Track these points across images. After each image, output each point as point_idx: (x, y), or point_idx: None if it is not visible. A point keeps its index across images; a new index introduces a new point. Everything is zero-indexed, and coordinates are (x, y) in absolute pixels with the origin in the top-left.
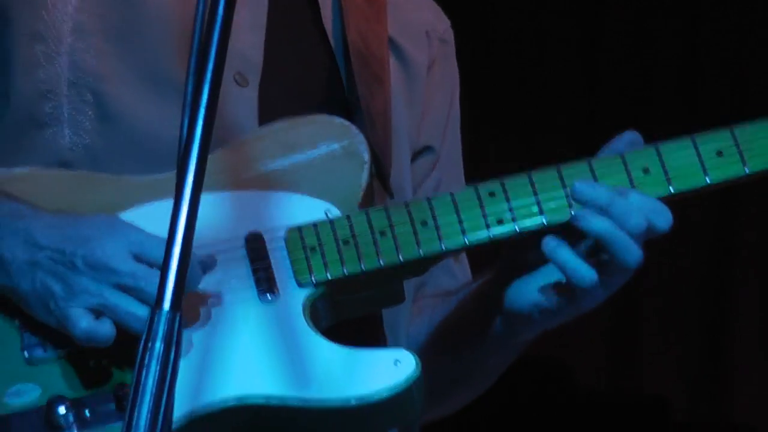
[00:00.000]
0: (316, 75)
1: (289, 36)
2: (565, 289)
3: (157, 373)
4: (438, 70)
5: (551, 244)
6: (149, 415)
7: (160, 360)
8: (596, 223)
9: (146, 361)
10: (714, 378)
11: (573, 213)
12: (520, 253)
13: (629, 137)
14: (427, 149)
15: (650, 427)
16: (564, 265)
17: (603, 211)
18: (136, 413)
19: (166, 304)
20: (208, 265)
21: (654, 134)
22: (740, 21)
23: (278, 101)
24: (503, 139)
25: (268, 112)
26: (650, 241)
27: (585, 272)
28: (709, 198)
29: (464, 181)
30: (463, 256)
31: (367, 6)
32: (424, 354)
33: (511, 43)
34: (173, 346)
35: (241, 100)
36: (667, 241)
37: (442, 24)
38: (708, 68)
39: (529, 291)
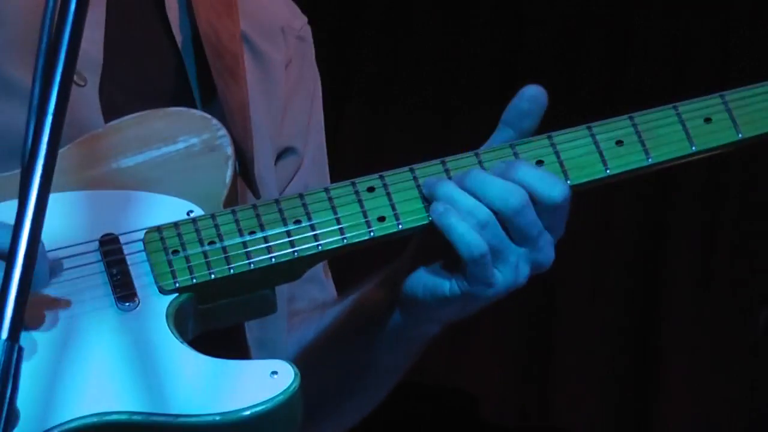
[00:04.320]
0: (161, 71)
1: (131, 31)
2: (456, 266)
3: None
4: (296, 69)
5: (438, 209)
6: None
7: None
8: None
9: None
10: (636, 413)
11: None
12: (433, 236)
13: (530, 92)
14: (290, 150)
15: None
16: (449, 231)
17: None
18: None
19: (3, 333)
20: (54, 269)
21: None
22: None
23: (122, 99)
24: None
25: (112, 111)
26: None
27: (472, 240)
28: (631, 215)
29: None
30: (329, 271)
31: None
32: (307, 366)
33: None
34: (10, 379)
35: (81, 100)
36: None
37: (298, 21)
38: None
39: (426, 275)
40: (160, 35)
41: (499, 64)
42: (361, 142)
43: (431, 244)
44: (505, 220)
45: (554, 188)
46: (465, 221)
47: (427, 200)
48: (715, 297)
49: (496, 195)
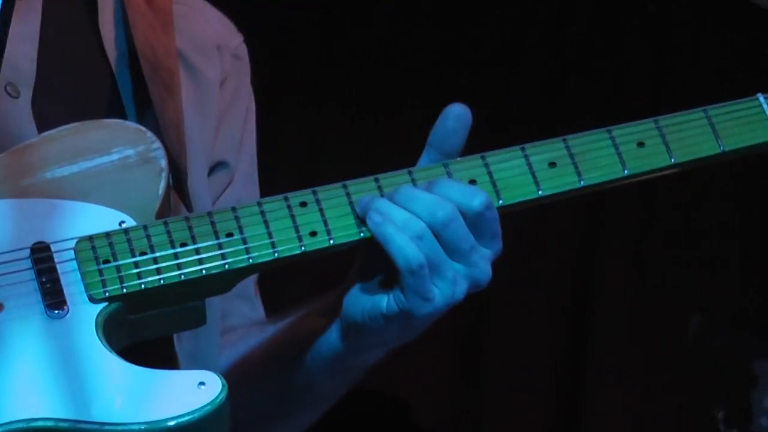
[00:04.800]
0: (94, 86)
1: (64, 45)
2: (393, 282)
3: None
4: (231, 86)
5: (375, 219)
6: None
7: None
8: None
9: None
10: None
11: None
12: (374, 257)
13: (454, 111)
14: (222, 164)
15: None
16: (387, 242)
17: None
18: None
19: None
20: None
21: None
22: None
23: (55, 112)
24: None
25: (45, 123)
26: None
27: (410, 251)
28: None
29: None
30: (258, 290)
31: (152, 15)
32: (239, 384)
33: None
34: None
35: (15, 112)
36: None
37: (234, 39)
38: None
39: (363, 294)
40: (93, 50)
41: (440, 65)
42: (298, 145)
43: (368, 267)
44: (435, 233)
45: (474, 198)
46: (402, 232)
47: (360, 217)
48: (647, 311)
49: (423, 209)
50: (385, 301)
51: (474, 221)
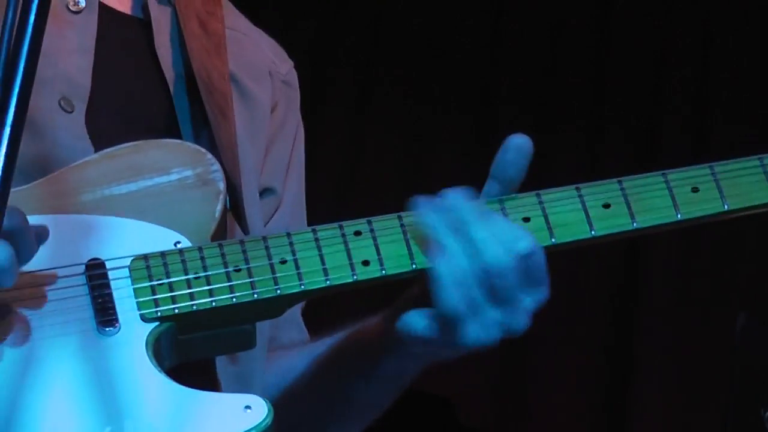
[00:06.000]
0: (149, 104)
1: (120, 62)
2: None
3: None
4: (281, 112)
5: (434, 255)
6: None
7: None
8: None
9: None
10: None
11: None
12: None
13: (515, 143)
14: (269, 190)
15: None
16: (435, 280)
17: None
18: None
19: None
20: (41, 234)
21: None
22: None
23: (109, 127)
24: None
25: (99, 140)
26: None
27: (452, 298)
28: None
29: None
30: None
31: (206, 38)
32: (288, 401)
33: None
34: None
35: (68, 127)
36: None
37: (284, 65)
38: None
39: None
40: (149, 70)
41: (479, 77)
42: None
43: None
44: (486, 278)
45: (520, 241)
46: (451, 275)
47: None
48: (693, 310)
49: (486, 251)
50: (422, 324)
51: (521, 267)
